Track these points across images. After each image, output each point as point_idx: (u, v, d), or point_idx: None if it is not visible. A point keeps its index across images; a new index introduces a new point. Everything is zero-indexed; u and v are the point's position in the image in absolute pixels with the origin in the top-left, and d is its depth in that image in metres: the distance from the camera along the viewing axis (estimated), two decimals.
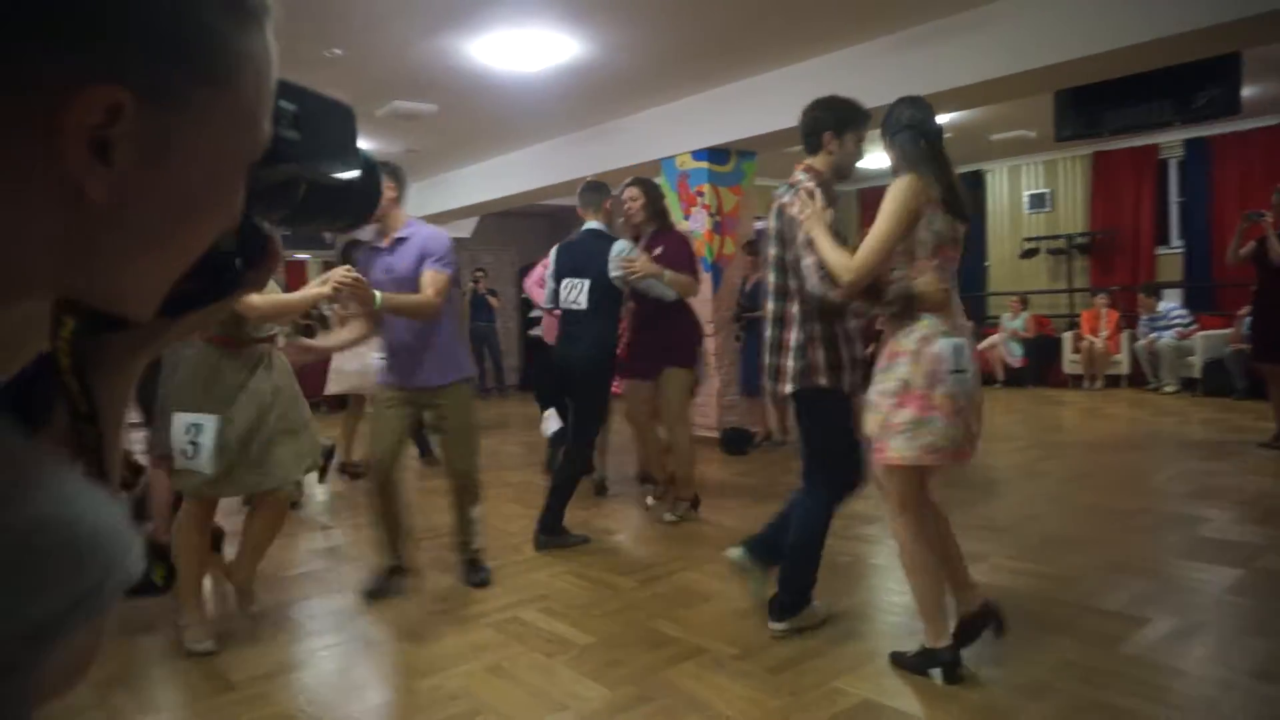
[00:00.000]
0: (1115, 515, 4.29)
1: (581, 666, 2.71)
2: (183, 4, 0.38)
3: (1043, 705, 2.31)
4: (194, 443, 2.78)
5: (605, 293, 3.94)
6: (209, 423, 2.79)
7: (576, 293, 3.97)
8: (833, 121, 2.80)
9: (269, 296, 2.92)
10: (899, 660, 2.56)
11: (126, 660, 2.92)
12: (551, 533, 4.02)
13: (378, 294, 3.03)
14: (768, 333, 2.83)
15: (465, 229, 11.69)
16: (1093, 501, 4.59)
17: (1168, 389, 8.71)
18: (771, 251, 2.80)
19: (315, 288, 3.06)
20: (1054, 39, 4.79)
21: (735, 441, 6.38)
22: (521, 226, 12.80)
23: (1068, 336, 9.66)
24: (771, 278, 2.82)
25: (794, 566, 2.86)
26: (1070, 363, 9.60)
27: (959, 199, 2.45)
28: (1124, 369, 9.23)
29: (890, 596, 3.30)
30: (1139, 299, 9.15)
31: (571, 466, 4.10)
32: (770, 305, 2.83)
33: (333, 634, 3.11)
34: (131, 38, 0.36)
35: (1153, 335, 8.90)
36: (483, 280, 11.17)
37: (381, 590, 3.39)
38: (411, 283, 3.20)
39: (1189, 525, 4.03)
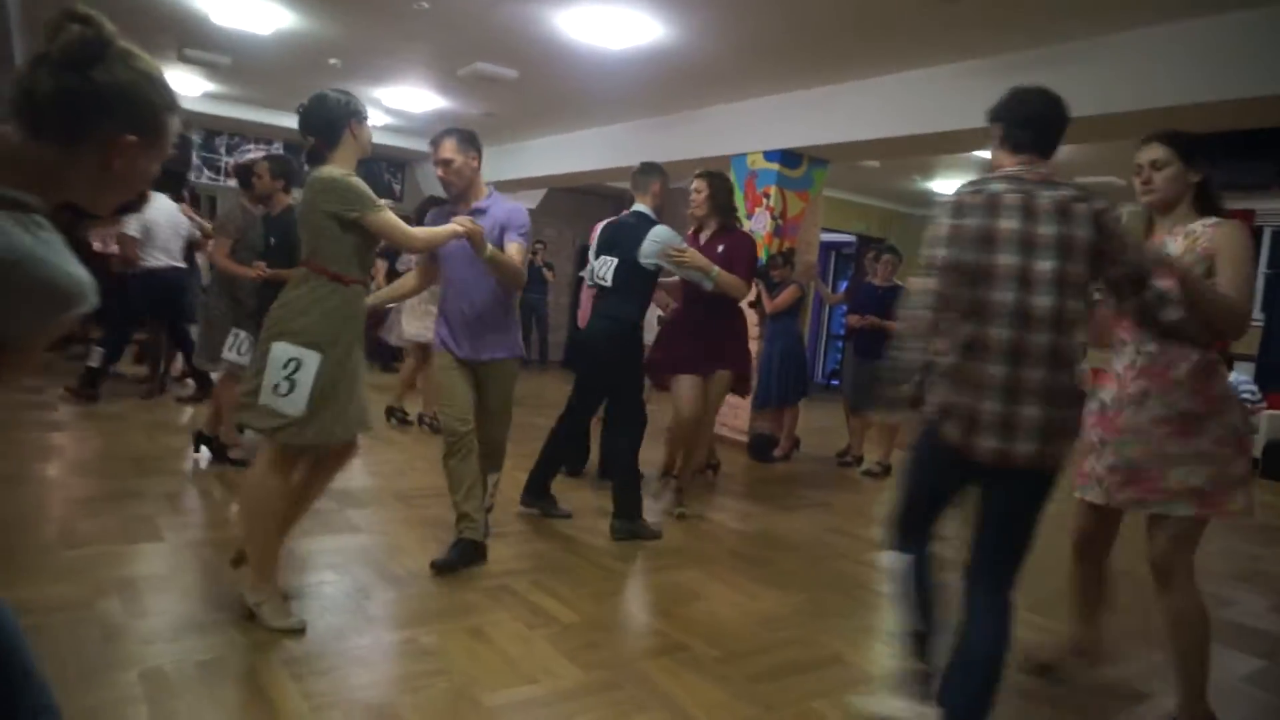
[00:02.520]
0: (1143, 583, 4.07)
1: (560, 644, 2.68)
2: (156, 107, 1.16)
3: None
4: (290, 379, 2.52)
5: (633, 273, 3.88)
6: (310, 360, 2.53)
7: (606, 269, 3.95)
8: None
9: (423, 229, 2.99)
10: None
11: (130, 568, 2.99)
12: (632, 518, 3.95)
13: (489, 245, 3.06)
14: (997, 370, 1.96)
15: (532, 200, 11.73)
16: (1122, 566, 4.37)
17: None
18: (1016, 261, 1.95)
19: (452, 226, 2.95)
20: (1153, 83, 4.59)
21: (761, 448, 6.29)
22: (587, 204, 12.81)
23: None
24: (1048, 298, 1.94)
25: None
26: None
27: None
28: None
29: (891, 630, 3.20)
30: None
31: (628, 452, 3.98)
32: (1022, 334, 1.95)
33: (324, 574, 3.13)
34: (138, 117, 1.13)
35: None
36: (541, 253, 11.19)
37: (453, 563, 3.24)
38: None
39: (1218, 606, 3.82)
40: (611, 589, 3.26)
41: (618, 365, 3.95)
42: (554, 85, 7.25)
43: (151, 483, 4.07)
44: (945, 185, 9.80)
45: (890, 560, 2.23)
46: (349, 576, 3.12)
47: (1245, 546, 5.10)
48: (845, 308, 7.20)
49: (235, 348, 4.35)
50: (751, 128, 7.09)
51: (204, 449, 4.61)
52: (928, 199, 10.72)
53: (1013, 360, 1.94)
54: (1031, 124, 2.09)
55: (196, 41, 6.97)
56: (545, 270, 11.09)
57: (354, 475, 4.62)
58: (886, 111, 5.91)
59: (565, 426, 4.29)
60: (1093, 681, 2.83)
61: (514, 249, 3.22)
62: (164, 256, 5.91)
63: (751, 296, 4.51)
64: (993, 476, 2.03)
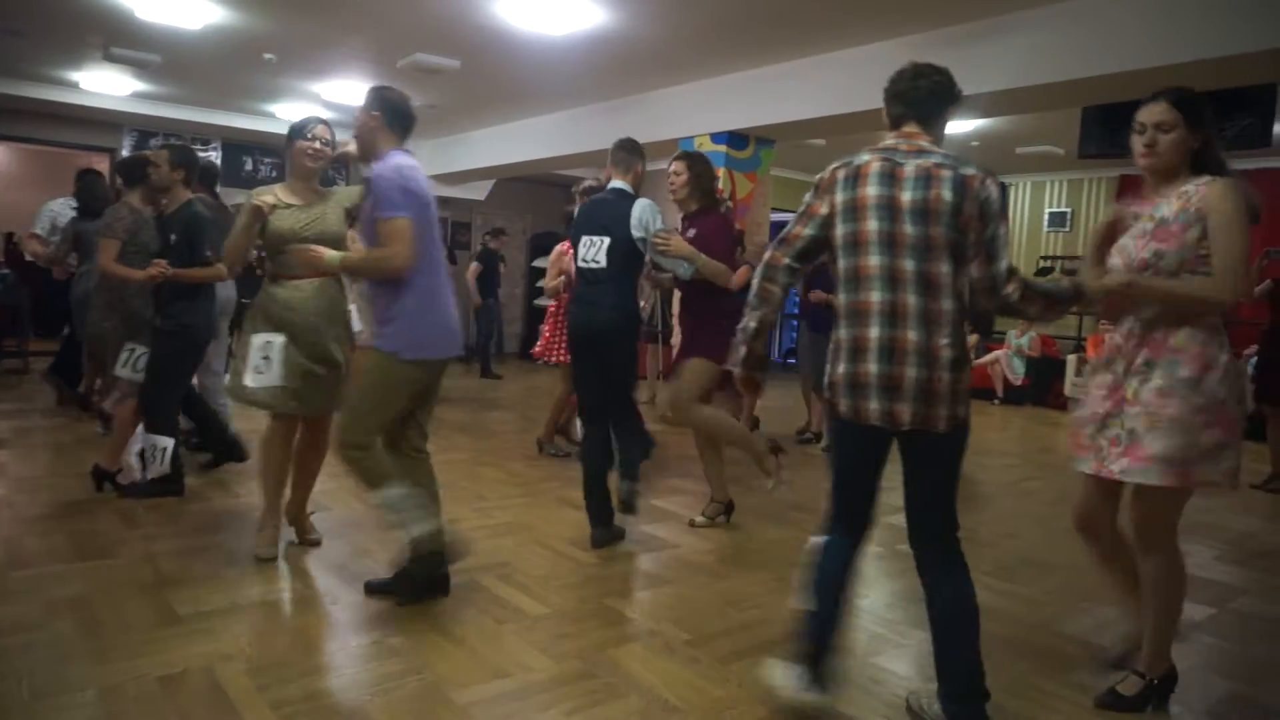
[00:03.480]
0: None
1: (530, 636, 2.68)
2: None
3: None
4: (266, 358, 3.12)
5: (627, 254, 3.62)
6: (276, 339, 3.12)
7: (595, 250, 3.64)
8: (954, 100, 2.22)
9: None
10: None
11: (81, 586, 2.91)
12: (630, 511, 3.81)
13: (333, 253, 3.05)
14: (880, 332, 2.05)
15: (480, 191, 11.61)
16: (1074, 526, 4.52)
17: None
18: (911, 230, 2.03)
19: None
20: (1086, 52, 4.68)
21: None
22: (535, 194, 12.71)
23: (1072, 359, 9.56)
24: (911, 263, 2.04)
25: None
26: (1072, 385, 9.49)
27: None
28: None
29: (856, 602, 3.25)
30: None
31: (634, 443, 3.83)
32: (892, 296, 2.05)
33: (288, 578, 3.08)
34: None
35: None
36: (489, 243, 11.08)
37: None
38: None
39: None
40: (579, 579, 3.26)
41: (628, 352, 3.73)
42: (497, 74, 7.17)
43: (100, 497, 3.96)
44: None
45: (811, 542, 2.28)
46: (313, 581, 3.07)
47: (1192, 500, 5.26)
48: (798, 286, 7.27)
49: (130, 363, 3.99)
50: (697, 110, 7.09)
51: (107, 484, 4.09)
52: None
53: (889, 323, 2.05)
54: (900, 98, 2.18)
55: (123, 40, 6.73)
56: (501, 263, 10.98)
57: None
58: (830, 90, 5.95)
59: (597, 433, 3.76)
60: (1057, 636, 2.90)
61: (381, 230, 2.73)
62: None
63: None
64: (898, 441, 2.13)
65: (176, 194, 3.92)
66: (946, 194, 2.02)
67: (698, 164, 3.99)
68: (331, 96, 8.15)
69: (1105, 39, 4.58)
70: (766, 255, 2.27)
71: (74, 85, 8.57)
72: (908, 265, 2.04)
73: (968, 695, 2.12)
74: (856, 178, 2.11)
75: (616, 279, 3.62)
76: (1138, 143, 2.33)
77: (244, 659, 2.41)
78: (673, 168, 3.99)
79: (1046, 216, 10.64)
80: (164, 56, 7.14)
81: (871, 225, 2.07)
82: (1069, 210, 10.44)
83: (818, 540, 2.26)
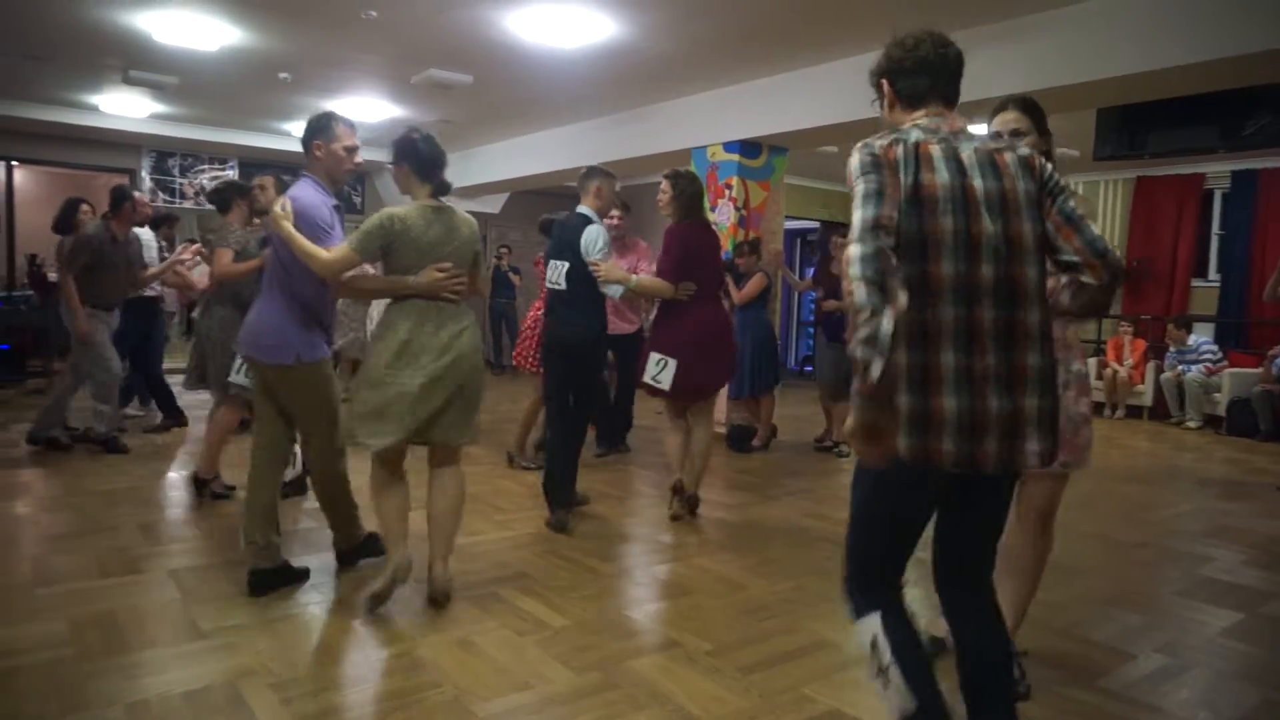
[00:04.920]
0: (1118, 546, 4.19)
1: (551, 648, 2.68)
2: None
3: None
4: None
5: (584, 276, 3.93)
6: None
7: (557, 274, 4.02)
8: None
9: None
10: None
11: (106, 602, 2.94)
12: (565, 506, 4.08)
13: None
14: (954, 359, 1.62)
15: (494, 204, 11.68)
16: (1097, 530, 4.48)
17: (1190, 424, 8.52)
18: (992, 228, 1.64)
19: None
20: (1101, 54, 4.66)
21: (739, 438, 6.32)
22: (550, 206, 12.72)
23: (1092, 363, 9.48)
24: (990, 268, 1.63)
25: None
26: (1093, 389, 9.41)
27: None
28: (1147, 400, 9.04)
29: None
30: (1169, 330, 8.96)
31: (573, 439, 4.11)
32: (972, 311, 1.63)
33: (310, 593, 3.09)
34: None
35: (1180, 368, 8.71)
36: (506, 257, 11.15)
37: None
38: None
39: (1193, 563, 3.92)
40: (599, 590, 3.26)
41: (598, 367, 4.06)
42: (510, 88, 7.22)
43: (124, 515, 4.00)
44: None
45: (866, 626, 1.75)
46: (334, 595, 3.08)
47: (1217, 504, 5.21)
48: (814, 294, 7.26)
49: (241, 369, 4.00)
50: (710, 120, 7.11)
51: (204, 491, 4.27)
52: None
53: (971, 346, 1.63)
54: (927, 68, 1.77)
55: (142, 62, 6.84)
56: (511, 275, 11.04)
57: None
58: (843, 96, 5.94)
59: (561, 426, 4.11)
60: (1081, 642, 2.87)
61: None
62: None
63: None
64: (963, 485, 1.73)
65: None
66: (1021, 182, 1.68)
67: (681, 182, 4.21)
68: (346, 114, 8.21)
69: (1120, 40, 4.57)
70: (866, 249, 1.55)
71: (94, 108, 8.71)
72: (987, 271, 1.63)
73: None
74: (917, 158, 1.65)
75: (582, 298, 3.96)
76: None
77: (267, 673, 2.43)
78: (661, 186, 4.25)
79: None
80: (181, 78, 7.24)
81: (947, 222, 1.63)
82: (1084, 213, 10.36)
83: (874, 622, 1.75)
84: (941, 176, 1.64)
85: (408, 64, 6.57)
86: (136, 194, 5.46)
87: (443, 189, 3.02)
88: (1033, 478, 2.43)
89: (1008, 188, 1.67)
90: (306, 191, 3.00)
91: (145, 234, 5.96)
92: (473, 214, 3.27)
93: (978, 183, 1.65)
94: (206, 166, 10.69)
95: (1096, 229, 1.72)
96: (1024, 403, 1.64)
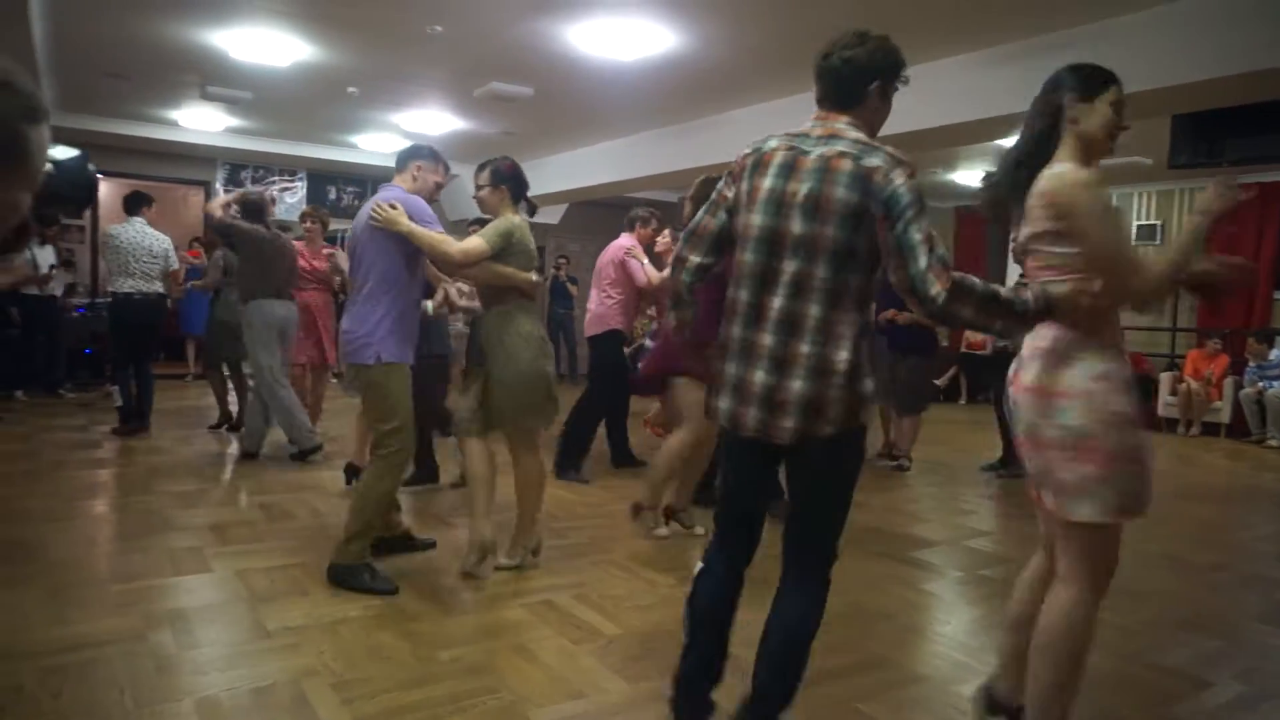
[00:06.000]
0: (1192, 569, 4.04)
1: (606, 658, 2.69)
2: (10, 122, 0.84)
3: None
4: None
5: None
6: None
7: None
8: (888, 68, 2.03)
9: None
10: None
11: (178, 600, 3.05)
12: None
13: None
14: (770, 339, 1.87)
15: (553, 215, 11.80)
16: (1170, 552, 4.32)
17: (1272, 443, 8.16)
18: (799, 229, 1.84)
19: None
20: (1175, 59, 4.52)
21: None
22: (609, 217, 12.82)
23: (1166, 377, 9.15)
24: (795, 264, 1.85)
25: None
26: (1166, 405, 9.09)
27: None
28: (1224, 417, 8.69)
29: (937, 629, 3.17)
30: (1249, 344, 8.61)
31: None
32: (785, 302, 1.86)
33: (365, 597, 3.15)
34: None
35: (1260, 384, 8.36)
36: (564, 267, 11.25)
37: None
38: None
39: (1272, 588, 3.75)
40: (653, 601, 3.25)
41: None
42: (570, 100, 7.30)
43: (195, 515, 4.14)
44: (967, 176, 9.71)
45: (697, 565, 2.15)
46: (392, 598, 3.14)
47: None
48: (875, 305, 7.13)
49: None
50: (767, 130, 6.81)
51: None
52: (951, 190, 10.62)
53: (751, 325, 1.91)
54: (821, 76, 2.00)
55: (218, 79, 7.10)
56: (569, 285, 11.14)
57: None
58: (902, 106, 5.83)
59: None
60: (1152, 668, 2.77)
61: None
62: (138, 282, 5.98)
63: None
64: (781, 454, 1.94)
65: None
66: (840, 191, 1.79)
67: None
68: (410, 127, 8.42)
69: (1196, 46, 4.42)
70: (676, 250, 2.09)
71: (173, 123, 9.07)
72: (787, 266, 1.85)
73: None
74: (758, 165, 1.93)
75: None
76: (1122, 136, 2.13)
77: (329, 673, 2.49)
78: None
79: (1135, 229, 10.24)
80: (255, 93, 7.50)
81: (756, 220, 1.89)
82: (1159, 223, 10.03)
83: (698, 564, 2.17)
84: (767, 181, 1.90)
85: (471, 77, 6.69)
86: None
87: (532, 211, 3.52)
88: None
89: (790, 190, 1.86)
90: (402, 193, 3.28)
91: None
92: (532, 224, 3.41)
93: (793, 186, 1.86)
94: (277, 178, 11.03)
95: (926, 263, 1.72)
96: (788, 383, 1.84)
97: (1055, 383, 1.90)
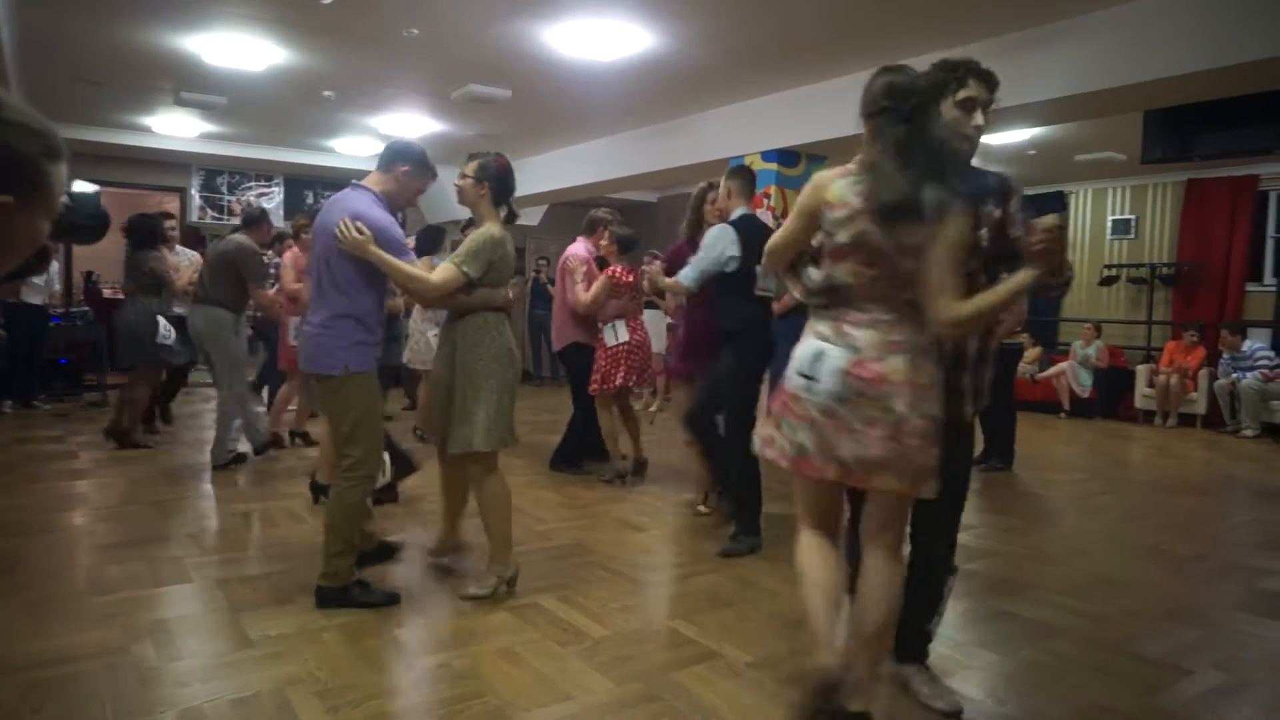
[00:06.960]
0: (1172, 559, 4.08)
1: (592, 659, 2.68)
2: (31, 158, 0.95)
3: None
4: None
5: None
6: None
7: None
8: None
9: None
10: None
11: (159, 611, 3.01)
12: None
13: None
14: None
15: (533, 217, 11.77)
16: (1150, 542, 4.37)
17: (1246, 433, 8.27)
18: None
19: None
20: (1147, 55, 4.57)
21: None
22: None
23: (1142, 369, 9.26)
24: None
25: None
26: (1143, 397, 9.20)
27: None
28: (1200, 408, 8.80)
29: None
30: (1222, 336, 8.72)
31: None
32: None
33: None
34: (10, 174, 0.92)
35: (1234, 375, 8.47)
36: (544, 269, 11.23)
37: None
38: None
39: (1251, 577, 3.80)
40: (639, 601, 3.25)
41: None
42: (548, 101, 7.28)
43: (175, 524, 4.10)
44: None
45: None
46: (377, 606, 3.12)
47: (1277, 514, 5.06)
48: None
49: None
50: (747, 129, 7.10)
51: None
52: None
53: None
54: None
55: (192, 84, 7.03)
56: (549, 286, 11.10)
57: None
58: None
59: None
60: (1133, 658, 2.80)
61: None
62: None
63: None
64: None
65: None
66: None
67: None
68: (388, 130, 8.38)
69: (1166, 41, 4.47)
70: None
71: (146, 129, 8.98)
72: None
73: None
74: None
75: None
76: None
77: (314, 681, 2.46)
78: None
79: (1110, 224, 10.36)
80: (230, 98, 7.43)
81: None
82: (1133, 217, 10.14)
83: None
84: None
85: (448, 80, 6.66)
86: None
87: (512, 218, 3.26)
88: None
89: None
90: (372, 209, 2.96)
91: (190, 253, 6.20)
92: (511, 226, 3.32)
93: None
94: (253, 184, 10.94)
95: None
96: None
97: (919, 375, 2.02)
